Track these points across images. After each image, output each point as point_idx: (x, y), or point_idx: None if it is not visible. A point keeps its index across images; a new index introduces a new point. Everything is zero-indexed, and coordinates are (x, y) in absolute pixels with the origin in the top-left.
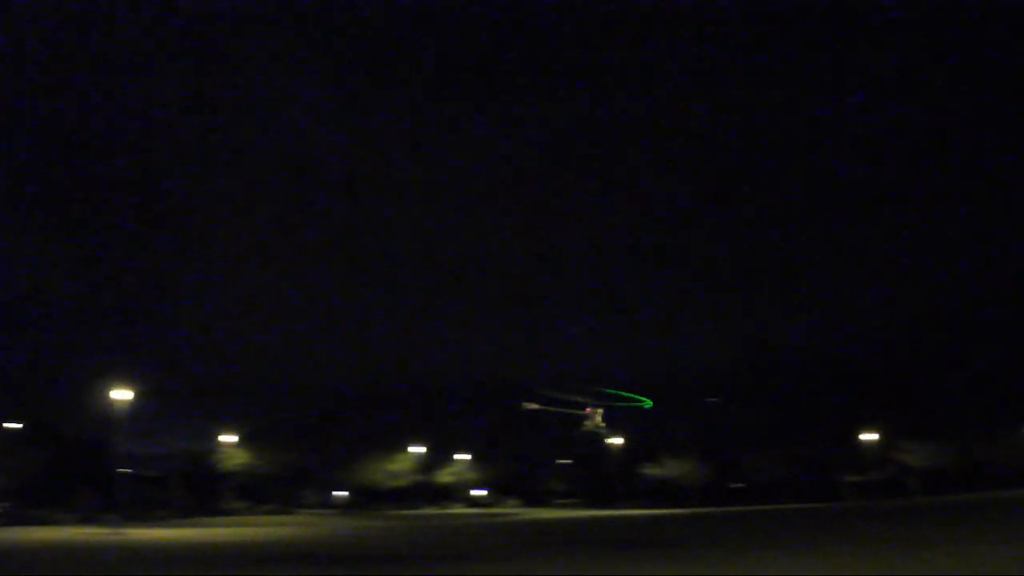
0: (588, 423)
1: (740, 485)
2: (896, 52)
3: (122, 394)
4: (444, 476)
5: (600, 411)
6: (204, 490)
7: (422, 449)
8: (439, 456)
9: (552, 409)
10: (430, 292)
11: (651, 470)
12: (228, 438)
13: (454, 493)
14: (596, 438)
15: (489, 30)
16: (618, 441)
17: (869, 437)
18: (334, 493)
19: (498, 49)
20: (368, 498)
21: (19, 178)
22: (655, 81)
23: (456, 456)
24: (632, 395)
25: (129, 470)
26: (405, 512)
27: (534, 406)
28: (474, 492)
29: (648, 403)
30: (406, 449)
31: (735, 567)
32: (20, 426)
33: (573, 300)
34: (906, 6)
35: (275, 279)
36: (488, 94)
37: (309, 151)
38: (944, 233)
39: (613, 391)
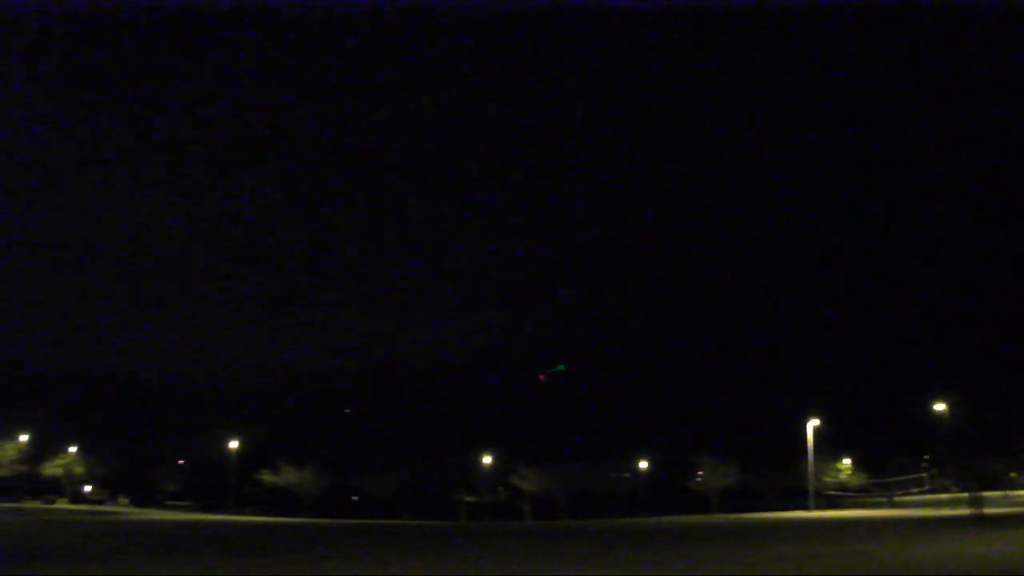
0: None
1: (356, 498)
2: None
3: None
4: (51, 468)
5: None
6: None
7: (26, 437)
8: (46, 446)
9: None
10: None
11: (268, 476)
12: None
13: (61, 487)
14: None
15: None
16: (234, 444)
17: (487, 460)
18: None
19: None
20: None
21: None
22: None
23: (67, 449)
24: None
25: None
26: (4, 505)
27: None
28: (83, 488)
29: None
30: (12, 437)
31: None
32: None
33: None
34: None
35: None
36: None
37: None
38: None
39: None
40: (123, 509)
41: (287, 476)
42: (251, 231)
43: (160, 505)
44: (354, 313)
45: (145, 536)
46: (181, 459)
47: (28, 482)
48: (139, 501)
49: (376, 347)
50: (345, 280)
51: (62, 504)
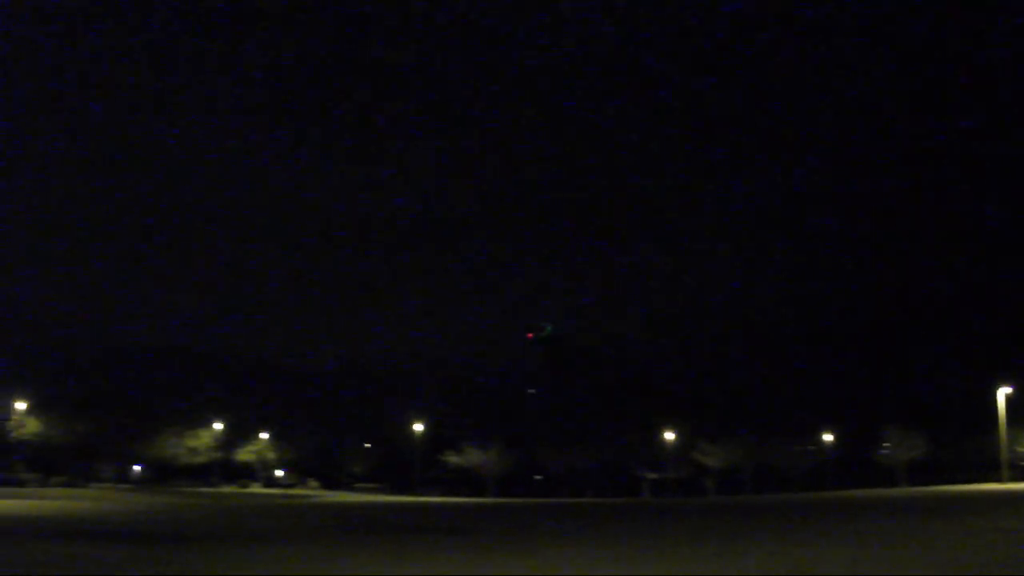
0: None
1: (539, 477)
2: None
3: None
4: (244, 454)
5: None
6: None
7: (221, 425)
8: (240, 433)
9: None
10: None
11: (452, 458)
12: (19, 405)
13: (254, 472)
14: None
15: None
16: (419, 427)
17: (669, 436)
18: (134, 467)
19: None
20: (165, 474)
21: None
22: None
23: (259, 435)
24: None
25: None
26: (202, 489)
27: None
28: (275, 472)
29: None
30: (208, 425)
31: (531, 560)
32: None
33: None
34: None
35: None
36: None
37: None
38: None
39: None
40: (314, 492)
41: (471, 457)
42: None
43: (350, 487)
44: (531, 289)
45: (350, 517)
46: (368, 442)
47: (223, 468)
48: (329, 484)
49: (554, 323)
50: (520, 256)
51: (256, 489)
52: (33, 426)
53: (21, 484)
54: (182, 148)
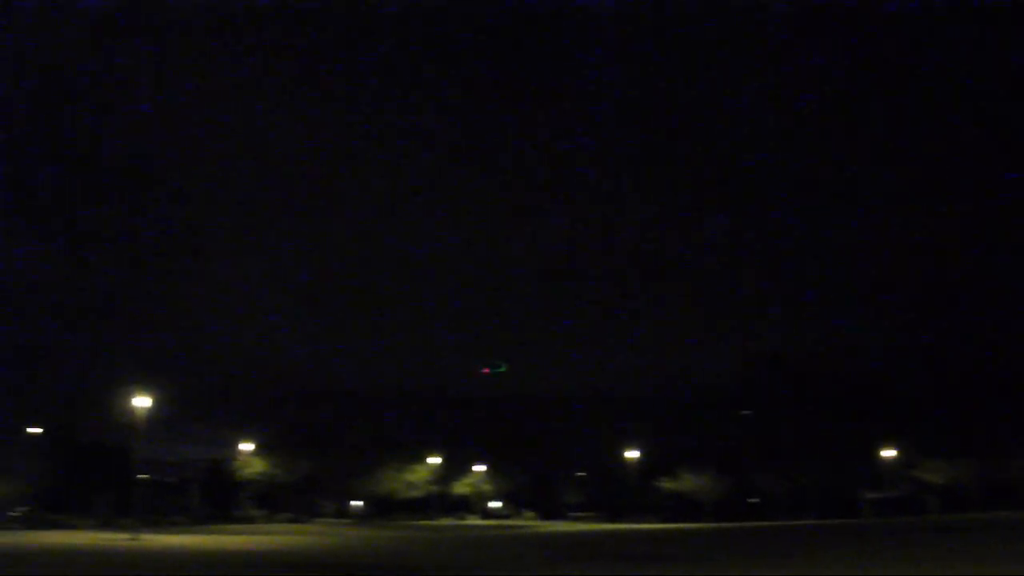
0: None
1: (756, 500)
2: None
3: (142, 400)
4: (460, 487)
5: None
6: (221, 497)
7: (439, 459)
8: (455, 467)
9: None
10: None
11: (667, 484)
12: (246, 446)
13: (470, 504)
14: None
15: None
16: (634, 454)
17: (888, 454)
18: (351, 503)
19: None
20: (384, 508)
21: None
22: None
23: (473, 467)
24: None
25: (147, 476)
26: (421, 523)
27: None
28: (490, 504)
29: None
30: (423, 459)
31: None
32: (40, 431)
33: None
34: None
35: (286, 286)
36: None
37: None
38: (969, 243)
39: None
40: (530, 522)
41: (686, 482)
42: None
43: (565, 517)
44: (738, 311)
45: (568, 545)
46: (581, 471)
47: (441, 501)
48: (545, 514)
49: (762, 342)
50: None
51: (473, 520)
52: (259, 465)
53: (249, 520)
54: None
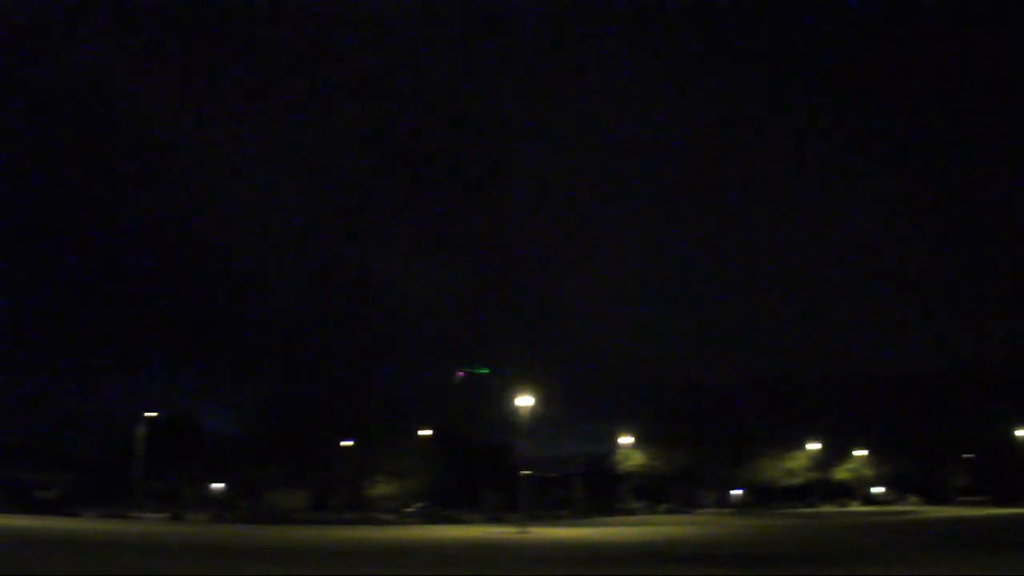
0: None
1: None
2: None
3: (525, 400)
4: (841, 473)
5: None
6: (603, 490)
7: (818, 445)
8: (835, 452)
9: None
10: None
11: None
12: (625, 440)
13: (851, 491)
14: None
15: None
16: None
17: None
18: (731, 492)
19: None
20: (764, 497)
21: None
22: None
23: (854, 452)
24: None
25: (531, 472)
26: (801, 510)
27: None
28: (872, 489)
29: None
30: (802, 446)
31: None
32: (431, 433)
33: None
34: None
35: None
36: None
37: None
38: None
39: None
40: (914, 508)
41: None
42: None
43: (953, 502)
44: None
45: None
46: (970, 453)
47: (821, 488)
48: (931, 499)
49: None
50: None
51: (854, 507)
52: (638, 458)
53: (630, 512)
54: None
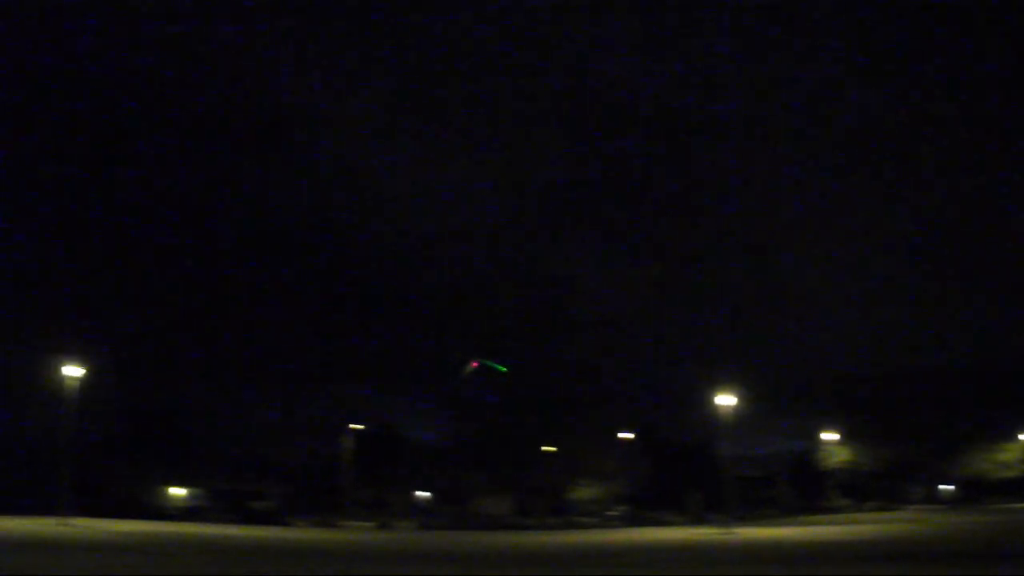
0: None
1: None
2: None
3: (726, 399)
4: None
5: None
6: (808, 488)
7: None
8: None
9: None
10: None
11: None
12: (830, 436)
13: None
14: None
15: None
16: None
17: None
18: (940, 487)
19: None
20: (976, 491)
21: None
22: None
23: None
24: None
25: (735, 472)
26: (1015, 506)
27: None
28: None
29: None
30: (1015, 437)
31: None
32: (632, 436)
33: None
34: None
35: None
36: None
37: None
38: None
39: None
40: None
41: None
42: None
43: None
44: None
45: None
46: None
47: None
48: None
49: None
50: None
51: None
52: (843, 454)
53: (836, 510)
54: None
